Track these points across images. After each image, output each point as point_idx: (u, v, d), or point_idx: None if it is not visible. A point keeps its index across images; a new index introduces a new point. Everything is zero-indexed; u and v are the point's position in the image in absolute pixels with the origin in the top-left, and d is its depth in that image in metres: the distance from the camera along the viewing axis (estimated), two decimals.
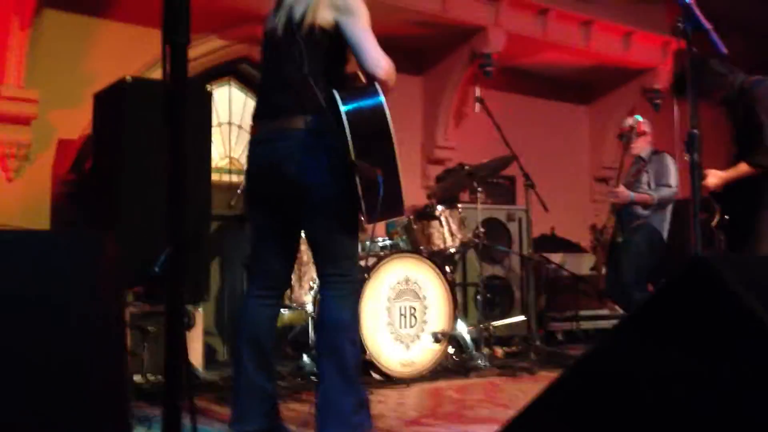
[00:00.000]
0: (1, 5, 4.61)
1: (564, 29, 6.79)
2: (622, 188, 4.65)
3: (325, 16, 2.39)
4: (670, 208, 4.66)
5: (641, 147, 4.76)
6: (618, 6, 7.32)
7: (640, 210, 4.63)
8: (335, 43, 2.42)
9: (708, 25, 2.21)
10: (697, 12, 2.20)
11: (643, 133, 4.75)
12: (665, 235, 4.62)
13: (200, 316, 4.14)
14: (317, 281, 4.02)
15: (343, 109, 2.26)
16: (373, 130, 2.29)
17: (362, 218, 2.38)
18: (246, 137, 6.10)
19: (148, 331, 3.85)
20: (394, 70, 2.38)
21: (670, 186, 4.60)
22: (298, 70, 2.40)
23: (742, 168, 3.56)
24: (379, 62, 2.33)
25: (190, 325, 4.08)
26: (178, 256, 1.30)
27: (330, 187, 2.36)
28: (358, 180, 2.26)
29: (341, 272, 2.45)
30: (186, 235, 1.34)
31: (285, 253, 2.59)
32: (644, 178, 4.69)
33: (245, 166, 2.60)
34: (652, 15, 7.71)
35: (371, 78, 2.36)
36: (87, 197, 4.35)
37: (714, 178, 3.65)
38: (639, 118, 4.82)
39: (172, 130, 1.31)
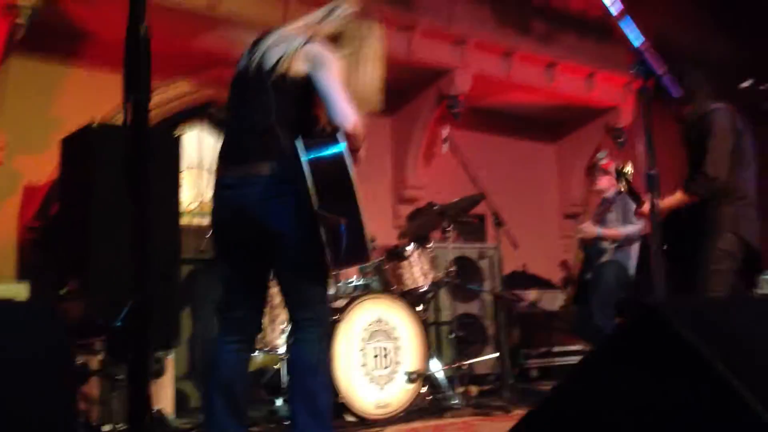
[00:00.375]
0: None
1: (528, 70, 6.95)
2: (588, 224, 4.71)
3: (298, 67, 2.41)
4: (636, 244, 4.72)
5: (606, 186, 4.82)
6: (580, 48, 7.51)
7: (606, 245, 4.69)
8: (304, 92, 2.44)
9: (659, 71, 2.27)
10: (649, 57, 2.26)
11: (608, 172, 4.82)
12: (632, 271, 4.67)
13: (171, 362, 4.07)
14: (284, 325, 4.00)
15: (303, 158, 2.28)
16: (334, 178, 2.30)
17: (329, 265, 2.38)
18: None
19: (117, 380, 3.78)
20: (362, 125, 2.39)
21: (635, 223, 4.67)
22: (266, 117, 2.41)
23: (679, 196, 3.59)
24: (348, 116, 2.35)
25: (160, 372, 4.01)
26: (142, 310, 1.29)
27: (297, 233, 2.36)
28: (321, 228, 2.27)
29: (311, 316, 2.43)
30: (151, 287, 1.34)
31: (254, 299, 2.57)
32: (611, 216, 4.76)
33: (211, 209, 2.59)
34: (613, 56, 7.92)
35: (338, 130, 2.37)
36: (53, 243, 4.29)
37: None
38: (602, 156, 4.90)
39: (134, 185, 1.31)
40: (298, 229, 2.35)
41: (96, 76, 5.23)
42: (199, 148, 6.07)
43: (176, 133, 4.25)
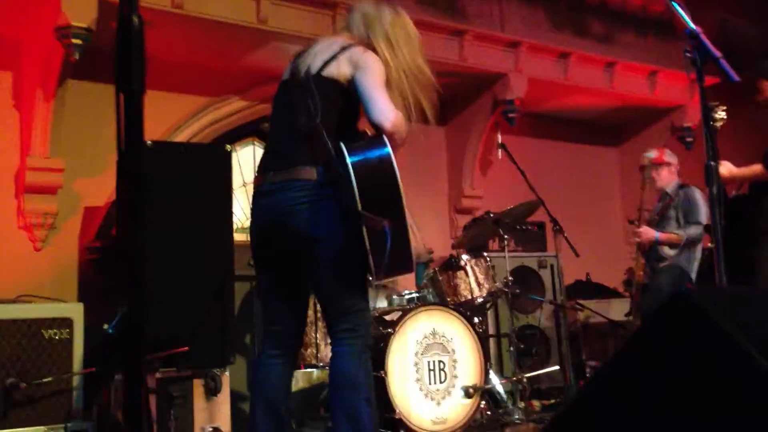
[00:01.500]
0: (25, 78, 4.73)
1: (586, 72, 6.74)
2: (645, 228, 4.49)
3: (343, 71, 2.43)
4: (699, 246, 4.47)
5: (666, 180, 4.58)
6: (640, 46, 7.26)
7: (666, 250, 4.45)
8: (349, 98, 2.44)
9: (717, 53, 2.11)
10: (705, 40, 2.11)
11: (665, 164, 4.57)
12: (694, 275, 4.42)
13: (227, 378, 4.06)
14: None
15: (349, 160, 2.24)
16: (381, 181, 2.25)
17: (369, 277, 2.31)
18: None
19: (174, 397, 3.79)
20: (403, 123, 2.37)
21: (699, 223, 4.41)
22: (311, 119, 2.39)
23: (756, 168, 3.38)
24: (387, 114, 2.33)
25: (216, 389, 4.00)
26: (134, 316, 1.24)
27: (336, 239, 2.32)
28: (365, 232, 2.20)
29: (351, 327, 2.39)
30: (145, 293, 1.30)
31: (294, 312, 2.54)
32: (672, 214, 4.50)
33: (250, 221, 2.56)
34: (676, 53, 7.62)
35: (378, 130, 2.34)
36: (113, 264, 4.35)
37: (724, 169, 3.49)
38: (650, 154, 4.68)
39: (126, 182, 1.27)
40: (338, 236, 2.31)
41: (153, 97, 5.28)
42: (254, 165, 6.10)
43: (229, 149, 4.24)
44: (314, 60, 2.48)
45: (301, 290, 2.53)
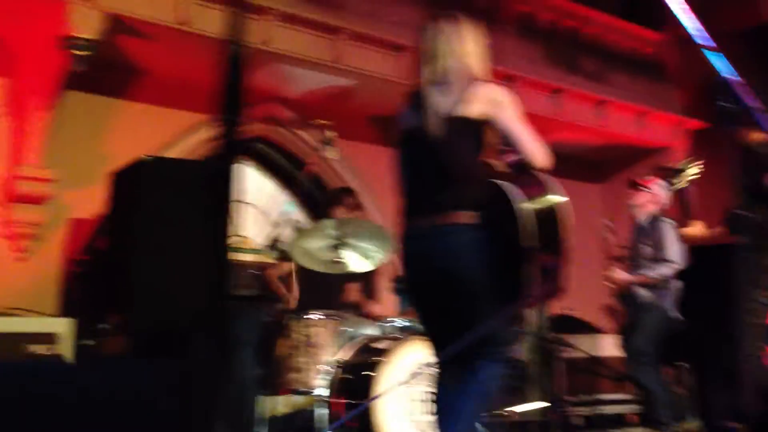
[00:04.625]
0: (23, 86, 4.69)
1: (578, 109, 6.84)
2: (617, 270, 4.49)
3: (476, 109, 2.44)
4: (674, 283, 4.42)
5: (642, 207, 4.53)
6: (631, 86, 7.39)
7: (642, 292, 4.42)
8: (482, 136, 2.48)
9: (752, 102, 2.11)
10: (738, 88, 2.11)
11: (646, 190, 4.53)
12: (673, 313, 4.39)
13: None
14: (324, 367, 3.92)
15: (517, 203, 2.38)
16: (550, 220, 2.42)
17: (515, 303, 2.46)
18: (258, 217, 6.08)
19: None
20: (549, 157, 2.50)
21: (670, 261, 4.34)
22: (453, 165, 2.46)
23: (719, 231, 3.44)
24: (541, 154, 2.47)
25: None
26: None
27: (485, 279, 2.43)
28: (530, 267, 2.34)
29: (491, 357, 2.53)
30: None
31: (455, 333, 2.56)
32: (646, 251, 4.47)
33: (403, 255, 2.63)
34: (665, 95, 7.78)
35: (531, 166, 2.47)
36: (99, 278, 4.29)
37: (696, 230, 3.57)
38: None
39: (218, 209, 1.28)
40: (486, 276, 2.43)
41: (149, 112, 5.29)
42: (245, 184, 6.08)
43: (228, 167, 4.22)
44: (442, 101, 2.48)
45: (460, 320, 2.58)
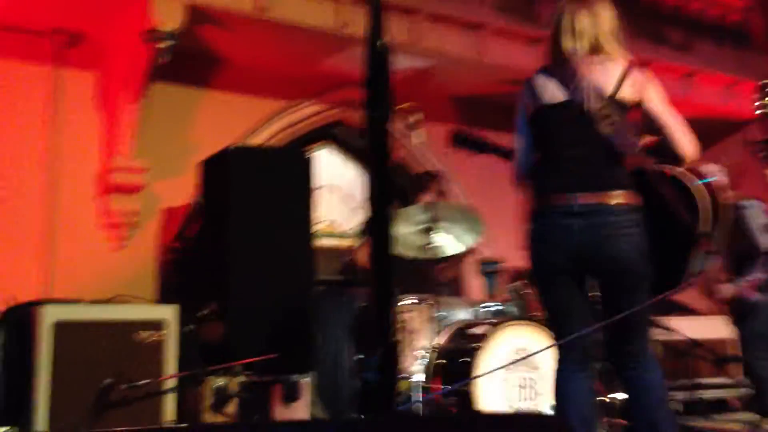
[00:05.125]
0: (113, 81, 4.78)
1: (664, 81, 6.56)
2: (722, 288, 4.28)
3: (629, 92, 2.46)
4: None
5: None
6: (719, 56, 7.07)
7: (751, 297, 4.22)
8: (634, 117, 2.49)
9: None
10: None
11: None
12: None
13: (307, 385, 4.03)
14: (420, 351, 3.88)
15: (696, 183, 2.46)
16: (715, 206, 2.46)
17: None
18: (342, 200, 6.07)
19: (254, 402, 3.77)
20: (697, 147, 2.51)
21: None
22: (627, 145, 2.45)
23: None
24: (689, 141, 2.49)
25: (295, 397, 3.97)
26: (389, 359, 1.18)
27: (645, 262, 2.42)
28: (695, 251, 2.37)
29: (647, 345, 2.52)
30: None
31: (589, 318, 2.58)
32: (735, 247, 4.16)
33: (539, 235, 2.56)
34: (755, 64, 7.41)
35: (682, 158, 2.49)
36: (192, 265, 4.35)
37: None
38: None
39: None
40: (644, 258, 2.42)
41: (231, 100, 5.33)
42: (327, 169, 6.08)
43: (309, 154, 4.21)
44: (601, 79, 2.46)
45: (588, 306, 2.60)
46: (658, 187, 2.43)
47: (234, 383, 3.71)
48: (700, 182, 2.46)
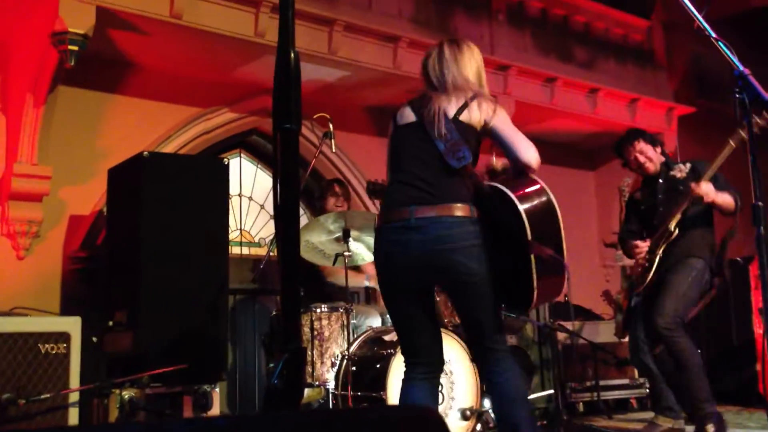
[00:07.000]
0: (16, 83, 4.61)
1: (571, 97, 6.86)
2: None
3: (475, 117, 2.61)
4: None
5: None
6: (623, 74, 7.42)
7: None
8: (478, 141, 2.66)
9: (766, 95, 2.12)
10: (754, 82, 2.13)
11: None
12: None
13: (217, 395, 3.99)
14: (338, 358, 3.91)
15: (517, 200, 2.52)
16: (543, 215, 2.57)
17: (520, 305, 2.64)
18: (255, 209, 6.04)
19: (165, 414, 3.70)
20: (538, 157, 2.63)
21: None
22: (461, 160, 2.55)
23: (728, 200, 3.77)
24: (535, 155, 2.61)
25: (207, 406, 3.92)
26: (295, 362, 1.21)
27: (486, 271, 2.52)
28: (533, 261, 2.45)
29: (503, 347, 2.62)
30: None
31: (437, 338, 2.71)
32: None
33: (381, 251, 2.65)
34: (655, 81, 7.82)
35: (523, 169, 2.63)
36: (100, 274, 4.24)
37: (707, 188, 3.88)
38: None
39: (284, 217, 1.24)
40: (487, 268, 2.52)
41: (144, 106, 5.22)
42: (240, 177, 6.04)
43: (226, 162, 4.18)
44: (447, 105, 2.64)
45: (432, 309, 2.72)
46: (492, 204, 2.55)
47: (141, 395, 3.64)
48: (519, 191, 2.56)
